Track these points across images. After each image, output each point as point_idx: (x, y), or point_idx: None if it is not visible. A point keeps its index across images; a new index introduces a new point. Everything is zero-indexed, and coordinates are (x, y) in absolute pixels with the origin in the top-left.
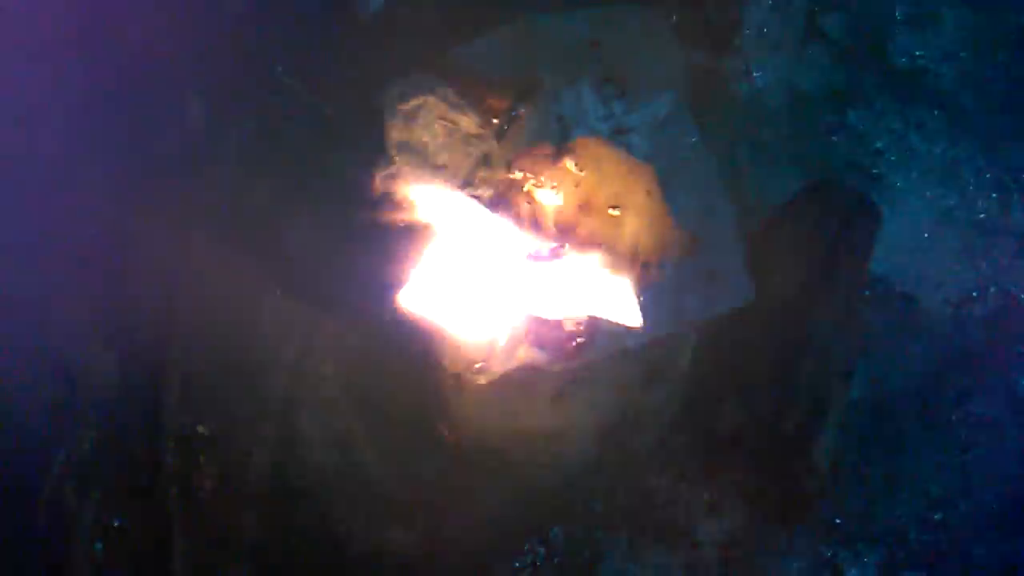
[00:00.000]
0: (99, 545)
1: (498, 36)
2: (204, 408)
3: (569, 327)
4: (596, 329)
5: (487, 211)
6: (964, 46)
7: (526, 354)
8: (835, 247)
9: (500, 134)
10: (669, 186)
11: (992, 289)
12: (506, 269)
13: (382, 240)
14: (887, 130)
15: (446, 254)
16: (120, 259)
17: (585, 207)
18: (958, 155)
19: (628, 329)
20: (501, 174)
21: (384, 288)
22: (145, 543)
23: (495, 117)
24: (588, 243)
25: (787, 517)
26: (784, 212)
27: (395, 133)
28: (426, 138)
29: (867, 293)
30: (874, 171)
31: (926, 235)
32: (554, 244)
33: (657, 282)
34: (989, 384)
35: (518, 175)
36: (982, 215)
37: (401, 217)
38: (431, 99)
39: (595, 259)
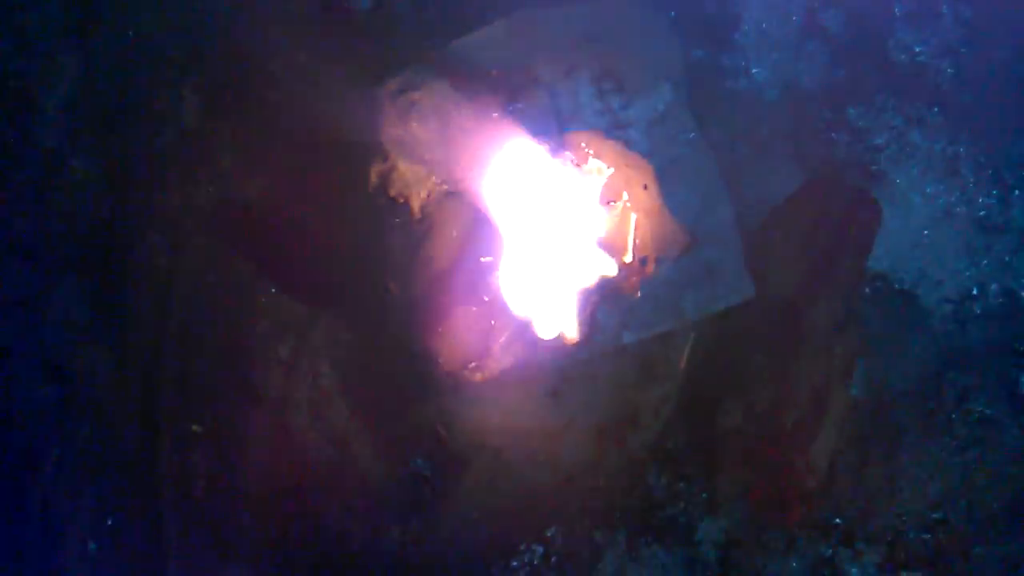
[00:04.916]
0: (93, 544)
1: (494, 30)
2: (198, 406)
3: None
4: (593, 326)
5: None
6: (964, 42)
7: (523, 351)
8: (834, 244)
9: (496, 129)
10: (667, 182)
11: (993, 286)
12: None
13: (378, 236)
14: (887, 126)
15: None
16: (115, 256)
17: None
18: (958, 152)
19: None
20: (498, 170)
21: (380, 284)
22: (139, 542)
23: (491, 112)
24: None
25: (786, 516)
26: (783, 208)
27: (390, 128)
28: (422, 134)
29: (867, 290)
30: (874, 168)
31: (926, 232)
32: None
33: (655, 278)
34: (989, 382)
35: (516, 170)
36: (982, 212)
37: (397, 212)
38: (426, 95)
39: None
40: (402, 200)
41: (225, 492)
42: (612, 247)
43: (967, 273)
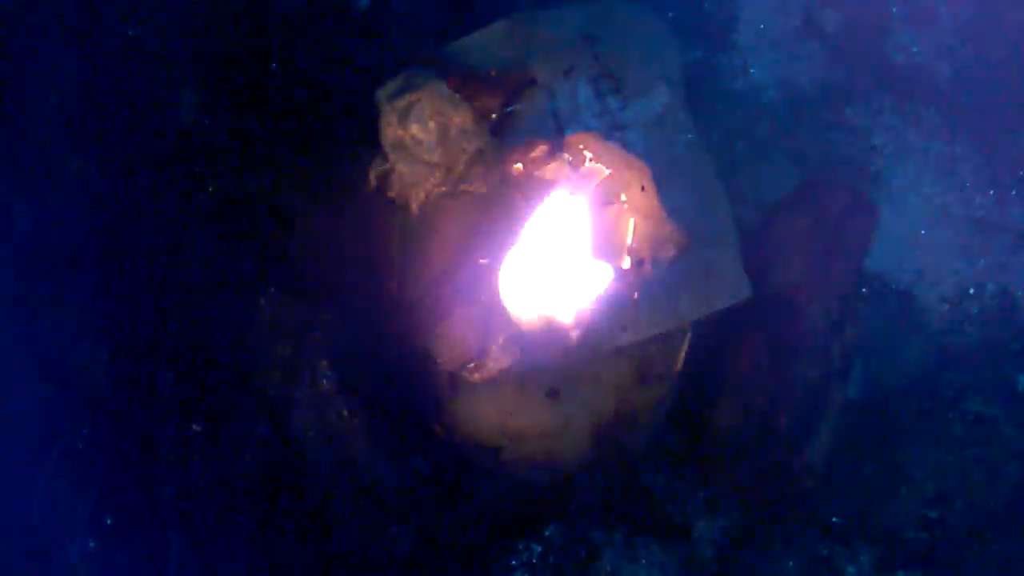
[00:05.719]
0: (92, 543)
1: (492, 31)
2: (198, 406)
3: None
4: (589, 326)
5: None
6: (961, 42)
7: (521, 352)
8: (831, 244)
9: (495, 130)
10: (664, 182)
11: (989, 286)
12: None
13: (377, 236)
14: (884, 127)
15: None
16: (112, 255)
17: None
18: (955, 152)
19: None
20: (496, 170)
21: (379, 285)
22: (139, 542)
23: (490, 113)
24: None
25: (783, 515)
26: (780, 209)
27: (388, 130)
28: (420, 135)
29: (864, 290)
30: (871, 168)
31: (923, 232)
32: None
33: (651, 279)
34: (986, 382)
35: (513, 171)
36: (980, 212)
37: (396, 213)
38: (424, 95)
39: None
40: (401, 201)
41: (224, 492)
42: (609, 249)
43: (964, 273)
